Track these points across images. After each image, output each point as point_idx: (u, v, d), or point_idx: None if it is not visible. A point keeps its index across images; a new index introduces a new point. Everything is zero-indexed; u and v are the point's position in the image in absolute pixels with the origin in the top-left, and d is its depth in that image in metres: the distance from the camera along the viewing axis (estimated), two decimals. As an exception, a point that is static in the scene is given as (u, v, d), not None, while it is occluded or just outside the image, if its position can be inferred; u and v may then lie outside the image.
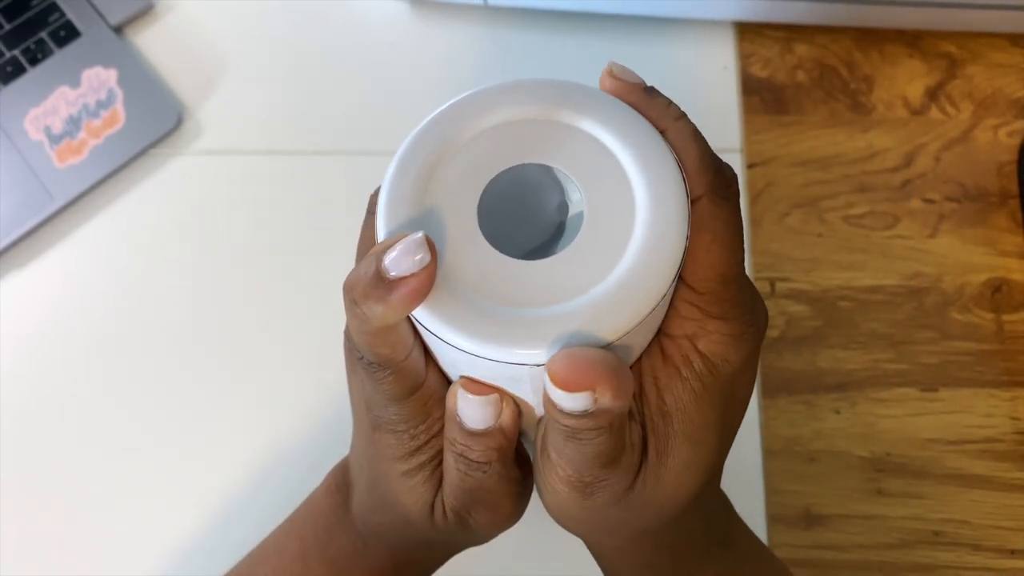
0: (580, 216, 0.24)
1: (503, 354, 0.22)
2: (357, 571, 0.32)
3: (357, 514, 0.32)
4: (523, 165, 0.24)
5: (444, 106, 0.25)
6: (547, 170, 0.24)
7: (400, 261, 0.22)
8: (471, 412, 0.24)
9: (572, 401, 0.22)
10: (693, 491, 0.26)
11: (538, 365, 0.22)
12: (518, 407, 0.25)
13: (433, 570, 0.35)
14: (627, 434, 0.24)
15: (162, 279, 0.51)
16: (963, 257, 0.50)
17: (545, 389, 0.22)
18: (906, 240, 0.50)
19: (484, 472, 0.26)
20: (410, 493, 0.28)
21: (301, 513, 0.34)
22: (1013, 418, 0.47)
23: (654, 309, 0.23)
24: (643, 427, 0.25)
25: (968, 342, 0.48)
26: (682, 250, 0.23)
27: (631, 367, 0.26)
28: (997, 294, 0.49)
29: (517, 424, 0.25)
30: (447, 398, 0.25)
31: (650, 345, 0.25)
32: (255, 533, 0.36)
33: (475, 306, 0.22)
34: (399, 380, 0.25)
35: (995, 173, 0.52)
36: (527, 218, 0.27)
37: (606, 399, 0.22)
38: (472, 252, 0.23)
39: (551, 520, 0.29)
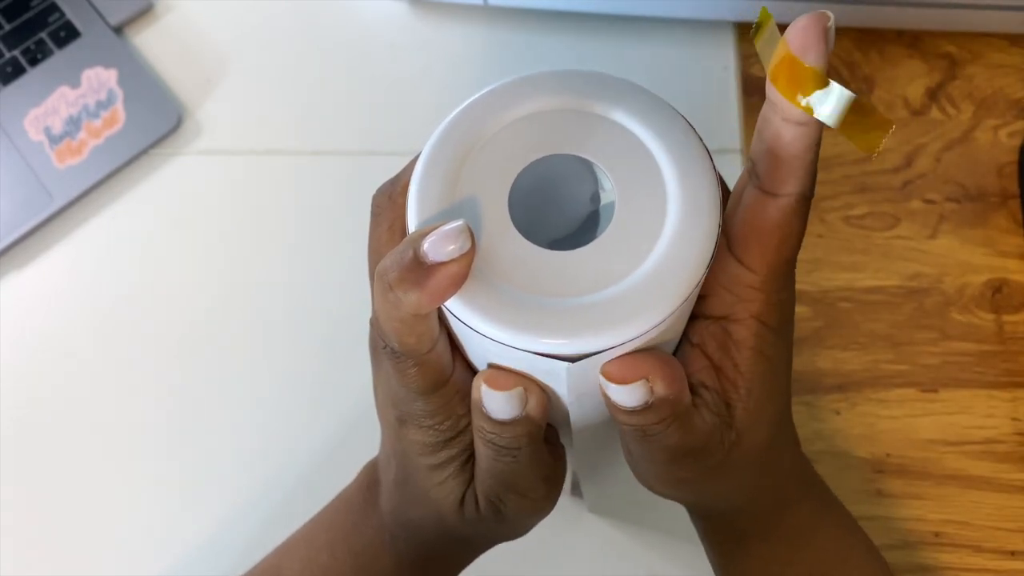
0: (611, 206, 0.23)
1: (537, 344, 0.22)
2: (383, 563, 0.33)
3: (386, 510, 0.32)
4: (553, 156, 0.24)
5: (472, 98, 0.24)
6: (577, 160, 0.24)
7: (439, 247, 0.21)
8: (495, 406, 0.25)
9: (630, 394, 0.23)
10: (775, 432, 0.28)
11: (572, 355, 0.22)
12: (546, 393, 0.25)
13: (463, 566, 0.35)
14: (702, 419, 0.26)
15: (162, 279, 0.51)
16: (963, 258, 0.50)
17: (606, 394, 0.24)
18: (906, 241, 0.50)
19: (514, 457, 0.26)
20: (441, 487, 0.28)
21: (332, 507, 0.35)
22: (1013, 419, 0.47)
23: (686, 299, 0.22)
24: (728, 404, 0.26)
25: (968, 343, 0.48)
26: (715, 239, 0.23)
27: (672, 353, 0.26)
28: (997, 295, 0.49)
29: (546, 411, 0.26)
30: (472, 388, 0.25)
31: (718, 337, 0.26)
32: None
33: (508, 296, 0.22)
34: (423, 373, 0.25)
35: (995, 173, 0.52)
36: (557, 209, 0.27)
37: (660, 388, 0.24)
38: (504, 243, 0.23)
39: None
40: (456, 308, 0.22)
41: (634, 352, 0.23)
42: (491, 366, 0.25)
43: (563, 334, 0.22)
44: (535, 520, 0.31)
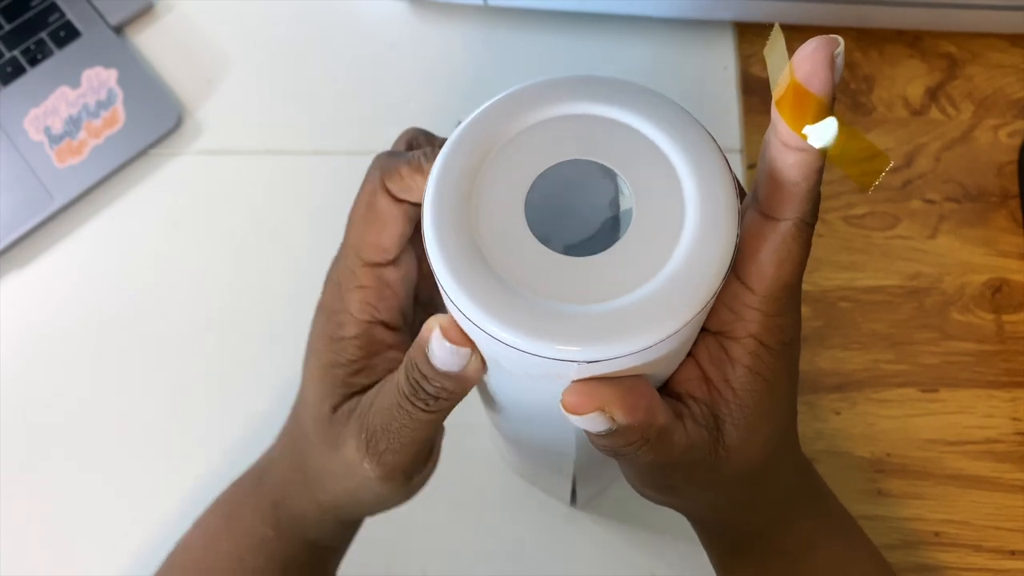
0: (629, 213, 0.23)
1: (550, 350, 0.22)
2: (245, 509, 0.34)
3: (263, 464, 0.35)
4: (570, 161, 0.24)
5: (490, 101, 0.24)
6: (595, 166, 0.24)
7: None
8: (442, 355, 0.25)
9: (589, 423, 0.24)
10: (771, 451, 0.28)
11: (587, 362, 0.22)
12: (484, 364, 0.25)
13: (324, 536, 0.35)
14: (683, 433, 0.26)
15: (162, 279, 0.51)
16: (963, 257, 0.50)
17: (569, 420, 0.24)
18: (906, 240, 0.50)
19: (424, 408, 0.27)
20: (317, 385, 0.30)
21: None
22: (1013, 419, 0.47)
23: (702, 309, 0.22)
24: (717, 418, 0.26)
25: (968, 342, 0.48)
26: (732, 252, 0.23)
27: (682, 360, 0.27)
28: (997, 294, 0.49)
29: (479, 379, 0.26)
30: (424, 328, 0.25)
31: (712, 351, 0.26)
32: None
33: (523, 301, 0.22)
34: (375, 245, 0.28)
35: (995, 173, 0.52)
36: (574, 214, 0.27)
37: (620, 417, 0.24)
38: (519, 248, 0.23)
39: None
40: (469, 310, 0.22)
41: (593, 380, 0.23)
42: (448, 318, 0.25)
43: (577, 341, 0.22)
44: (384, 490, 0.30)
